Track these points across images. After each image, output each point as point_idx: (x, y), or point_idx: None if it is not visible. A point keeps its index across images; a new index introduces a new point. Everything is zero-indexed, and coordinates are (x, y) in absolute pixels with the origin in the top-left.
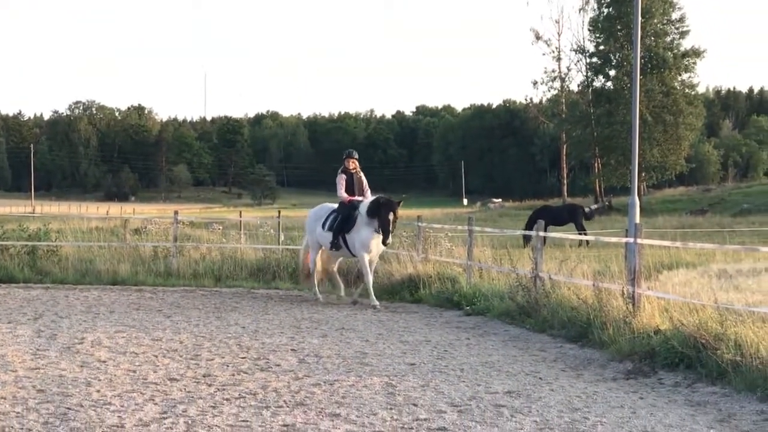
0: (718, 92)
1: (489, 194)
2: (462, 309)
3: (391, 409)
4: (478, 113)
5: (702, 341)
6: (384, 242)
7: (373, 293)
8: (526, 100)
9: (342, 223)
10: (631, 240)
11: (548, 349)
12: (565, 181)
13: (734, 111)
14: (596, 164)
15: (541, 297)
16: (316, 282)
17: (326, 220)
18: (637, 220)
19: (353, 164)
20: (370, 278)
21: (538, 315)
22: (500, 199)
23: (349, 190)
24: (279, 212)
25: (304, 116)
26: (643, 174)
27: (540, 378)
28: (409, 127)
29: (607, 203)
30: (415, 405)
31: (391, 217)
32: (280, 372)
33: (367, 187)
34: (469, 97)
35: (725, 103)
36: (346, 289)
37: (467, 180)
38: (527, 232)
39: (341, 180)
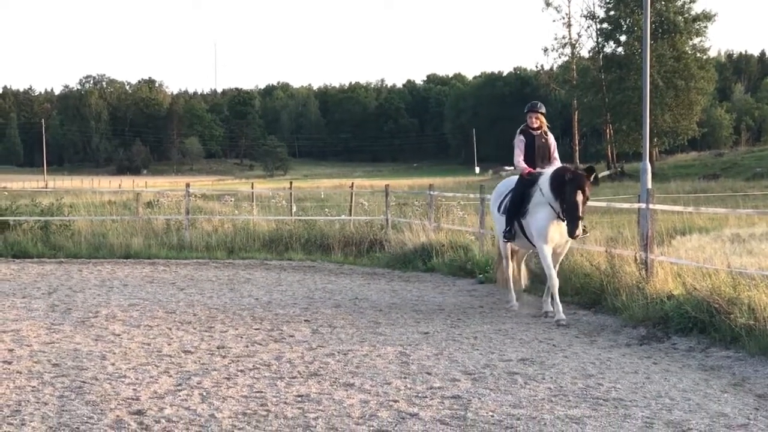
0: (729, 56)
1: (501, 162)
2: (475, 277)
3: (405, 378)
4: (489, 81)
5: (715, 306)
6: (571, 233)
7: (558, 300)
8: (536, 67)
9: (516, 203)
10: (644, 205)
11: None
12: (577, 148)
13: (746, 74)
14: (608, 130)
15: None
16: (511, 285)
17: (504, 198)
18: (650, 185)
19: (538, 121)
20: (555, 279)
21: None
22: (512, 167)
23: (530, 157)
24: (291, 183)
25: (315, 87)
26: (655, 139)
27: (554, 345)
28: (420, 96)
29: (619, 169)
30: (429, 374)
31: (579, 197)
32: (294, 343)
33: (557, 154)
34: (480, 65)
35: (737, 66)
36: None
37: (479, 148)
38: None
39: (519, 144)
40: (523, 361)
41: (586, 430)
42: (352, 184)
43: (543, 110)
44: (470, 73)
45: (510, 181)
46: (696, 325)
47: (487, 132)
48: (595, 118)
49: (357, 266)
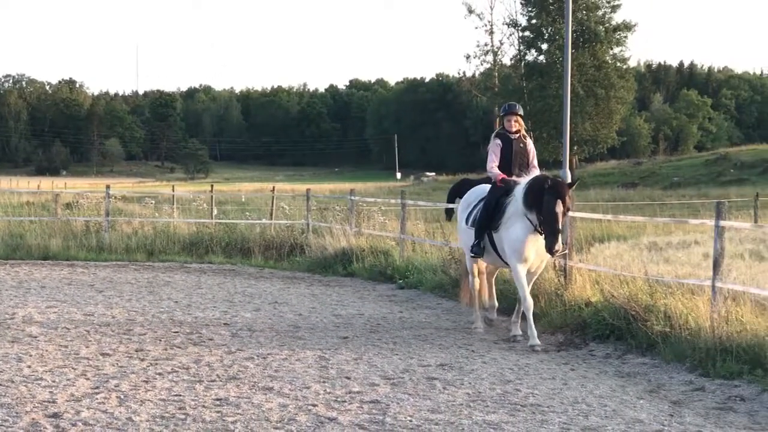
0: (649, 66)
1: (422, 168)
2: (395, 282)
3: (324, 382)
4: (411, 87)
5: (632, 313)
6: (550, 248)
7: (533, 324)
8: (459, 73)
9: (488, 215)
10: None
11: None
12: None
13: (665, 85)
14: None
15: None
16: (477, 304)
17: (474, 209)
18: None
19: (517, 125)
20: (530, 301)
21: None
22: (434, 173)
23: (506, 163)
24: (212, 187)
25: (237, 90)
26: (575, 147)
27: (472, 350)
28: (342, 101)
29: None
30: (348, 378)
31: (559, 208)
32: (213, 346)
33: (536, 161)
34: (402, 71)
35: (656, 77)
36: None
37: (400, 154)
38: (448, 205)
39: (495, 148)
40: (442, 367)
41: None
42: (273, 188)
43: (521, 112)
44: (393, 79)
45: (479, 190)
46: (613, 332)
47: (408, 138)
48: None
49: (277, 270)
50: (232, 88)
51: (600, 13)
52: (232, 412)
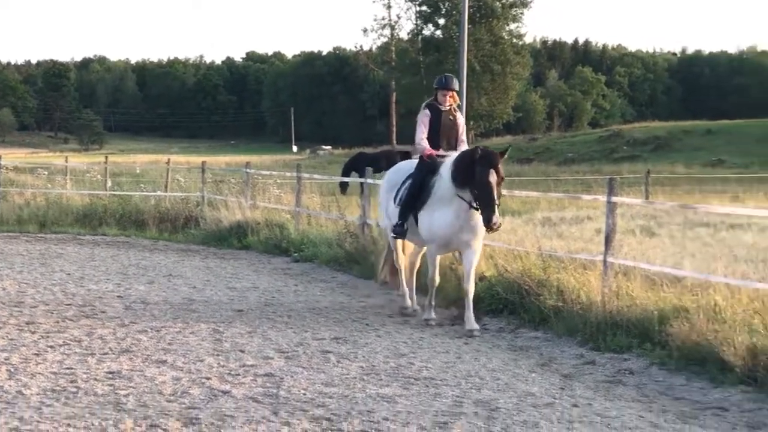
0: (544, 43)
1: (318, 141)
2: (290, 256)
3: (218, 355)
4: (308, 60)
5: (525, 287)
6: (488, 221)
7: (433, 300)
8: (356, 47)
9: (413, 195)
10: None
11: (376, 295)
12: (394, 129)
13: (560, 61)
14: None
15: (369, 244)
16: (403, 282)
17: (401, 187)
18: None
19: (450, 99)
20: (436, 279)
21: (366, 262)
22: (330, 146)
23: (434, 137)
24: (106, 158)
25: (133, 61)
26: (471, 122)
27: (367, 324)
28: (239, 74)
29: None
30: (242, 351)
31: (492, 178)
32: (106, 319)
33: (464, 137)
34: (299, 45)
35: (551, 53)
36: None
37: (297, 127)
38: (344, 179)
39: (424, 119)
40: (336, 340)
41: (398, 408)
42: (169, 160)
43: (457, 87)
44: (290, 52)
45: (405, 167)
46: (507, 306)
47: (305, 111)
48: (413, 100)
49: (172, 242)
50: (127, 59)
51: None
52: (125, 385)
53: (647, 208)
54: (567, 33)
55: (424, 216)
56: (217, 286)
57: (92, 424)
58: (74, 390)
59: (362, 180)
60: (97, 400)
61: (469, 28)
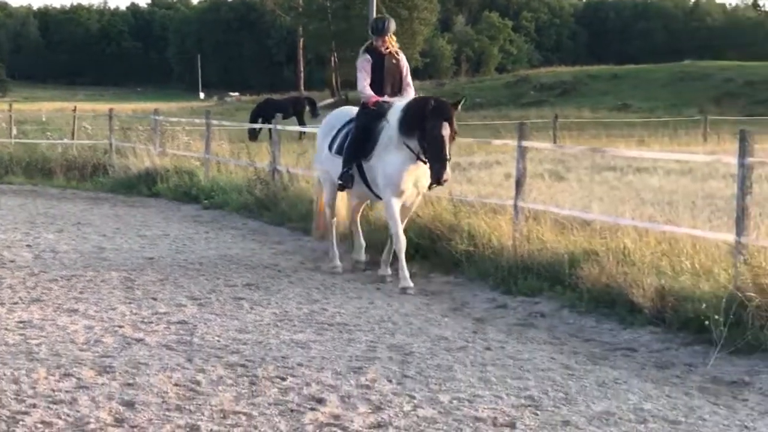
0: None
1: (226, 88)
2: (200, 203)
3: (130, 303)
4: (214, 6)
5: (437, 232)
6: (437, 177)
7: (405, 265)
8: None
9: (358, 141)
10: None
11: (287, 241)
12: (302, 75)
13: (467, 7)
14: (333, 58)
15: (279, 190)
16: (334, 237)
17: (338, 133)
18: None
19: (387, 42)
20: (403, 240)
21: (277, 208)
22: (237, 93)
23: (378, 82)
24: (10, 105)
25: (35, 7)
26: None
27: (279, 271)
28: (144, 20)
29: (343, 97)
30: (154, 299)
31: (445, 131)
32: (15, 268)
33: (410, 79)
34: None
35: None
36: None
37: (204, 74)
38: (253, 125)
39: (365, 64)
40: (249, 287)
41: (312, 354)
42: (75, 107)
43: (390, 31)
44: None
45: (343, 113)
46: (418, 251)
47: (211, 58)
48: (320, 46)
49: (80, 191)
50: (29, 4)
51: None
52: (36, 334)
53: (555, 152)
54: None
55: (376, 162)
56: (127, 234)
57: (4, 374)
58: None
59: (270, 126)
60: (8, 350)
61: None
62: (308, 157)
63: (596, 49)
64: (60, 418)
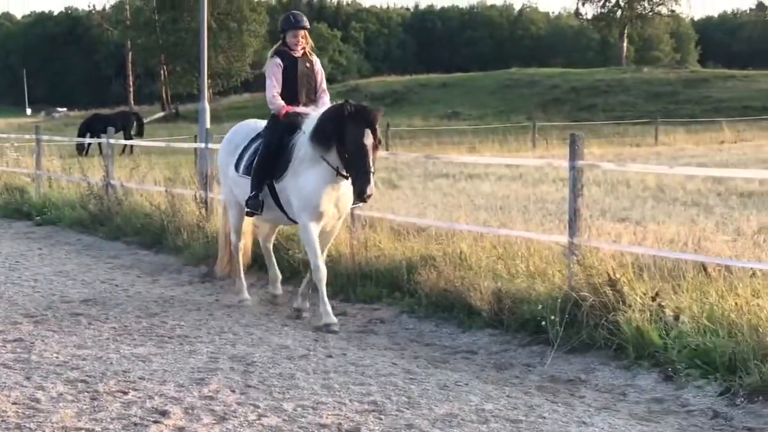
0: (280, 0)
1: (53, 103)
2: (32, 219)
3: None
4: (39, 20)
5: (274, 242)
6: (361, 192)
7: (327, 300)
8: (89, 7)
9: (268, 158)
10: (203, 145)
11: (123, 256)
12: (131, 89)
13: None
14: (162, 72)
15: (114, 204)
16: (241, 267)
17: (244, 151)
18: (208, 125)
19: (301, 42)
20: (323, 269)
21: (111, 223)
22: (65, 108)
23: (290, 90)
24: None
25: None
26: (210, 81)
27: (116, 285)
28: None
29: (173, 110)
30: None
31: (368, 140)
32: None
33: (325, 85)
34: (30, 5)
35: (287, 10)
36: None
37: (30, 89)
38: (81, 140)
39: (275, 70)
40: (86, 302)
41: (153, 367)
42: None
43: (306, 25)
44: (19, 13)
45: (247, 127)
46: (256, 260)
47: (38, 73)
48: (149, 59)
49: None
50: None
51: None
52: None
53: (388, 160)
54: None
55: (288, 182)
56: None
57: None
58: None
59: (101, 141)
60: None
61: None
62: (141, 171)
63: (425, 59)
64: None
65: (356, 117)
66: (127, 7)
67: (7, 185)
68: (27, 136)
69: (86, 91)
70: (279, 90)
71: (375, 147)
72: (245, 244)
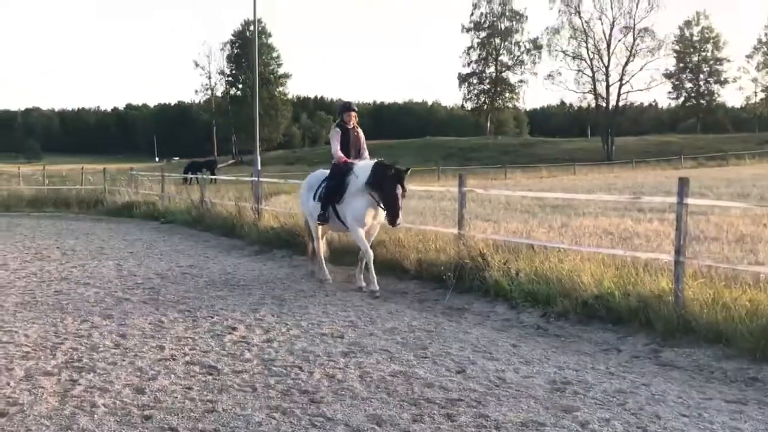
0: (298, 98)
1: (170, 155)
2: (159, 220)
3: (120, 278)
4: (164, 108)
5: (296, 232)
6: (392, 222)
7: (374, 272)
8: (191, 101)
9: (333, 189)
10: (256, 179)
11: (211, 240)
12: (215, 148)
13: (308, 110)
14: (233, 137)
15: (206, 212)
16: (323, 261)
17: (318, 188)
18: (259, 167)
19: (353, 119)
20: (370, 252)
21: (204, 222)
22: (177, 157)
23: (345, 148)
24: (44, 166)
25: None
26: (259, 143)
27: (207, 257)
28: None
29: (240, 159)
30: (134, 275)
31: (399, 191)
32: (50, 260)
33: (365, 145)
34: (157, 98)
35: (303, 105)
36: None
37: (158, 146)
38: (184, 175)
39: (336, 135)
40: (191, 267)
41: (228, 302)
42: (83, 167)
43: (356, 109)
44: (151, 103)
45: (318, 174)
46: (286, 244)
47: (162, 137)
48: (226, 132)
49: (87, 215)
50: None
51: (271, 67)
52: (66, 298)
53: None
54: (311, 90)
55: (345, 206)
56: (117, 238)
57: (47, 322)
58: (34, 303)
59: (195, 176)
60: (49, 308)
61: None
62: (222, 193)
63: (378, 133)
64: None
65: (393, 177)
66: (213, 102)
67: (146, 200)
68: (156, 174)
69: (189, 147)
70: (339, 147)
71: (402, 195)
72: (323, 246)
